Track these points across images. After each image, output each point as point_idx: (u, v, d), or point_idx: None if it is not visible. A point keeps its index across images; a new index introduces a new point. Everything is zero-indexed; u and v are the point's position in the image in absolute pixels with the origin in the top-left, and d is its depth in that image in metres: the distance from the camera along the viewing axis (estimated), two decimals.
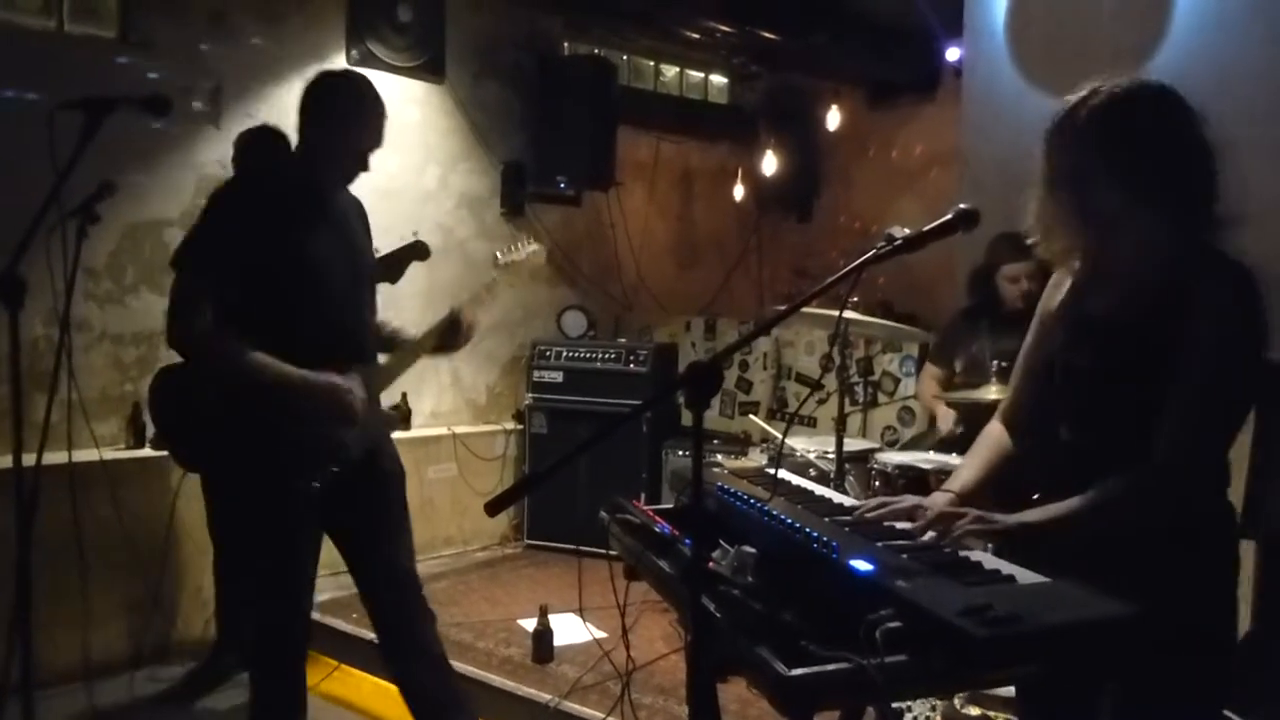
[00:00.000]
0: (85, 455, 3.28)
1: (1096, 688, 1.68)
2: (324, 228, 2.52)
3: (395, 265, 3.13)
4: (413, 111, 4.97)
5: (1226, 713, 2.64)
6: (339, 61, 4.65)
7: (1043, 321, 1.92)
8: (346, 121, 2.50)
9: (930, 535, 1.69)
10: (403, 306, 4.81)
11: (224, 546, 2.79)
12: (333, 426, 2.48)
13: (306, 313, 2.47)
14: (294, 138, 2.56)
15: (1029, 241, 1.83)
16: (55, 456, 2.66)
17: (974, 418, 4.03)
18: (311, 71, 4.52)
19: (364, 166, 2.55)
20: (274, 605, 2.56)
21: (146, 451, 3.89)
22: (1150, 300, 1.68)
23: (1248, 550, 2.93)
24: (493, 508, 1.48)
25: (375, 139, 2.53)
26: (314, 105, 2.51)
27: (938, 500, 1.82)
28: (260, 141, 3.50)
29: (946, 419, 3.85)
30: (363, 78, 2.61)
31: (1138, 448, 1.65)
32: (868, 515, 1.79)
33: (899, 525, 1.75)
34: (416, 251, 3.11)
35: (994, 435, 1.99)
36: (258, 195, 2.50)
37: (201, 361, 2.52)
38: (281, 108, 4.44)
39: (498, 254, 2.88)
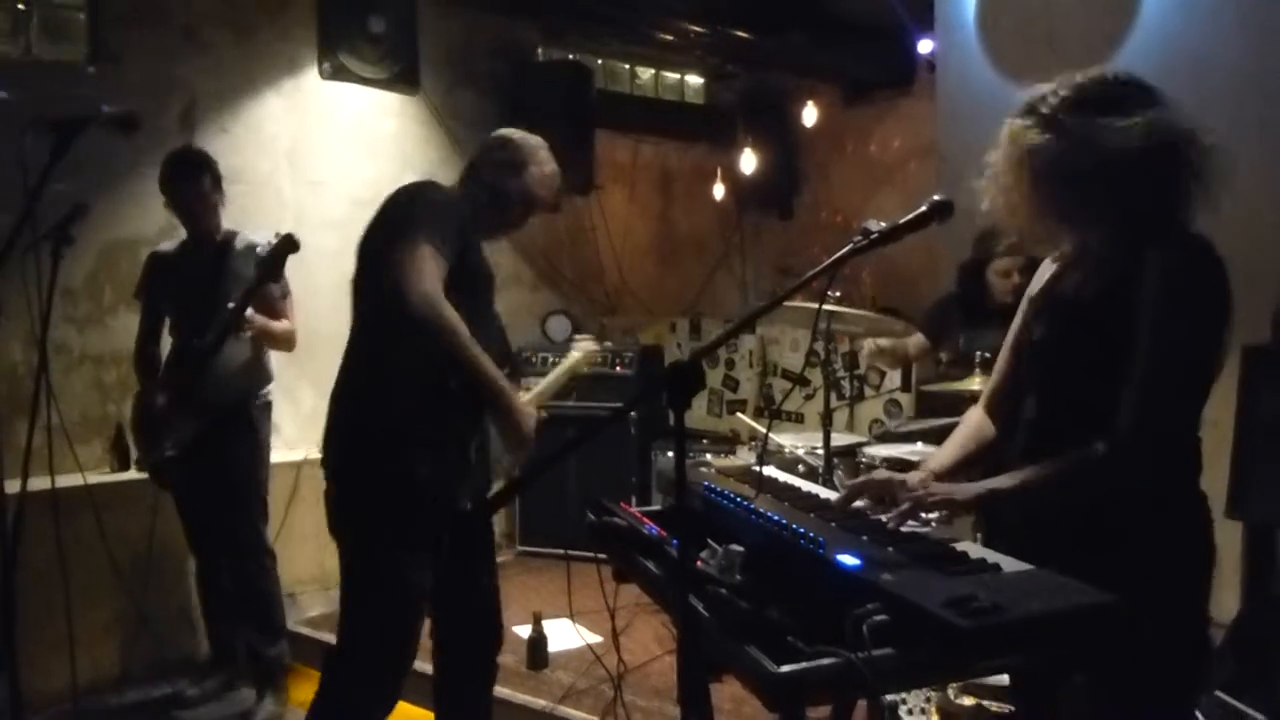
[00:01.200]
0: (69, 480, 3.25)
1: (1071, 675, 1.70)
2: (483, 259, 2.56)
3: (275, 264, 3.16)
4: (388, 122, 4.96)
5: (1219, 693, 2.67)
6: (312, 74, 4.64)
7: (1024, 307, 1.95)
8: (516, 177, 2.60)
9: (896, 513, 1.71)
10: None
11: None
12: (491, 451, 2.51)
13: (479, 333, 2.40)
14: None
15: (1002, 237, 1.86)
16: (38, 481, 2.64)
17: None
18: (285, 84, 4.59)
19: (531, 215, 2.68)
20: (384, 645, 2.41)
21: (131, 474, 3.86)
22: (1110, 275, 1.71)
23: (1236, 532, 2.96)
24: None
25: (537, 199, 2.65)
26: (494, 156, 2.63)
27: (913, 478, 1.83)
28: (183, 164, 3.48)
29: (915, 342, 3.86)
30: (539, 143, 2.68)
31: (1097, 421, 1.67)
32: (848, 497, 1.83)
33: (881, 517, 1.76)
34: (288, 246, 3.11)
35: (974, 421, 2.01)
36: (457, 203, 2.53)
37: (428, 327, 2.23)
38: (254, 121, 4.43)
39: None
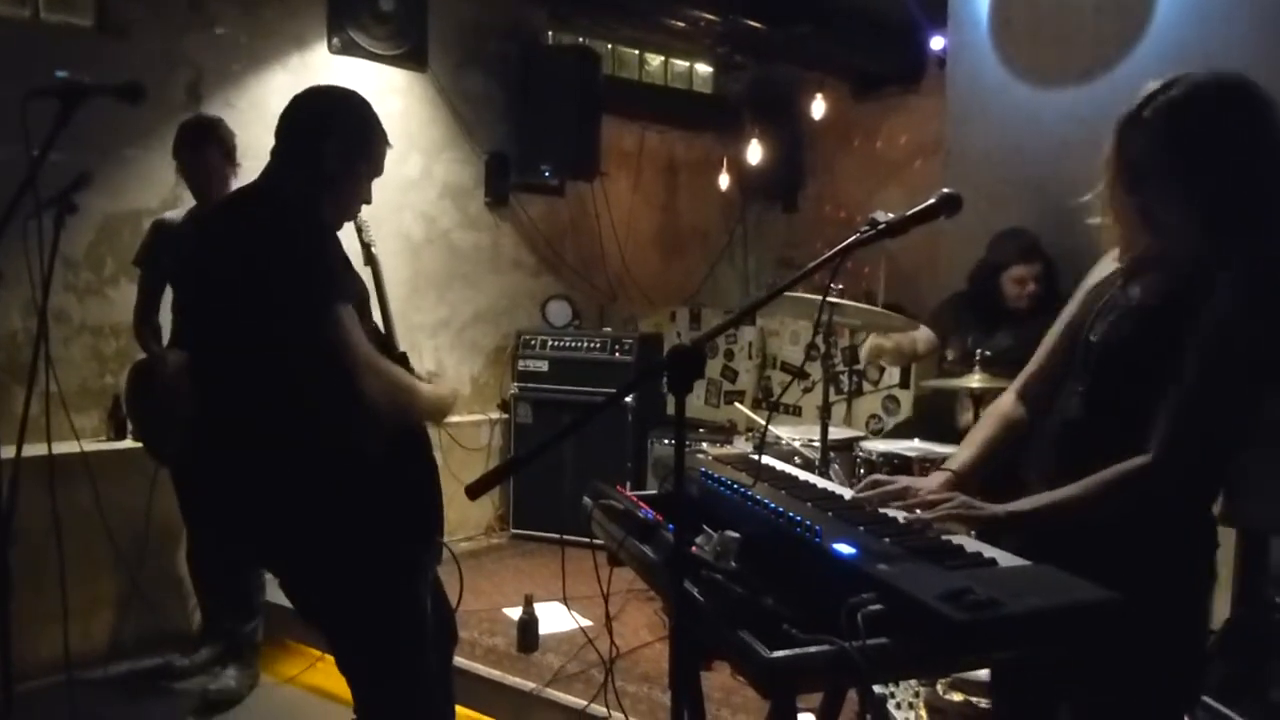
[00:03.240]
0: (65, 448, 3.24)
1: (1066, 674, 1.69)
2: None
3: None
4: (395, 101, 4.93)
5: (1207, 699, 2.68)
6: (320, 50, 4.62)
7: (1081, 295, 1.88)
8: (375, 145, 2.26)
9: (914, 516, 1.70)
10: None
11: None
12: None
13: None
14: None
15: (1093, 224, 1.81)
16: (35, 449, 2.64)
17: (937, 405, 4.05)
18: (292, 60, 4.56)
19: (369, 199, 2.32)
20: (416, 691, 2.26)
21: (127, 444, 3.86)
22: (1178, 287, 1.65)
23: (1228, 538, 2.96)
24: (473, 490, 1.48)
25: (377, 174, 2.31)
26: (340, 126, 2.20)
27: (934, 480, 1.82)
28: (193, 132, 3.46)
29: (924, 337, 3.86)
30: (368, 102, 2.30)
31: (1141, 429, 1.63)
32: (861, 496, 1.80)
33: (889, 511, 1.75)
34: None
35: (1003, 409, 1.95)
36: (324, 222, 2.18)
37: (384, 392, 2.06)
38: (261, 96, 4.41)
39: None
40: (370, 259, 2.68)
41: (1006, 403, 1.96)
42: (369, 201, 2.31)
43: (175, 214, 3.63)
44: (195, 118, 3.63)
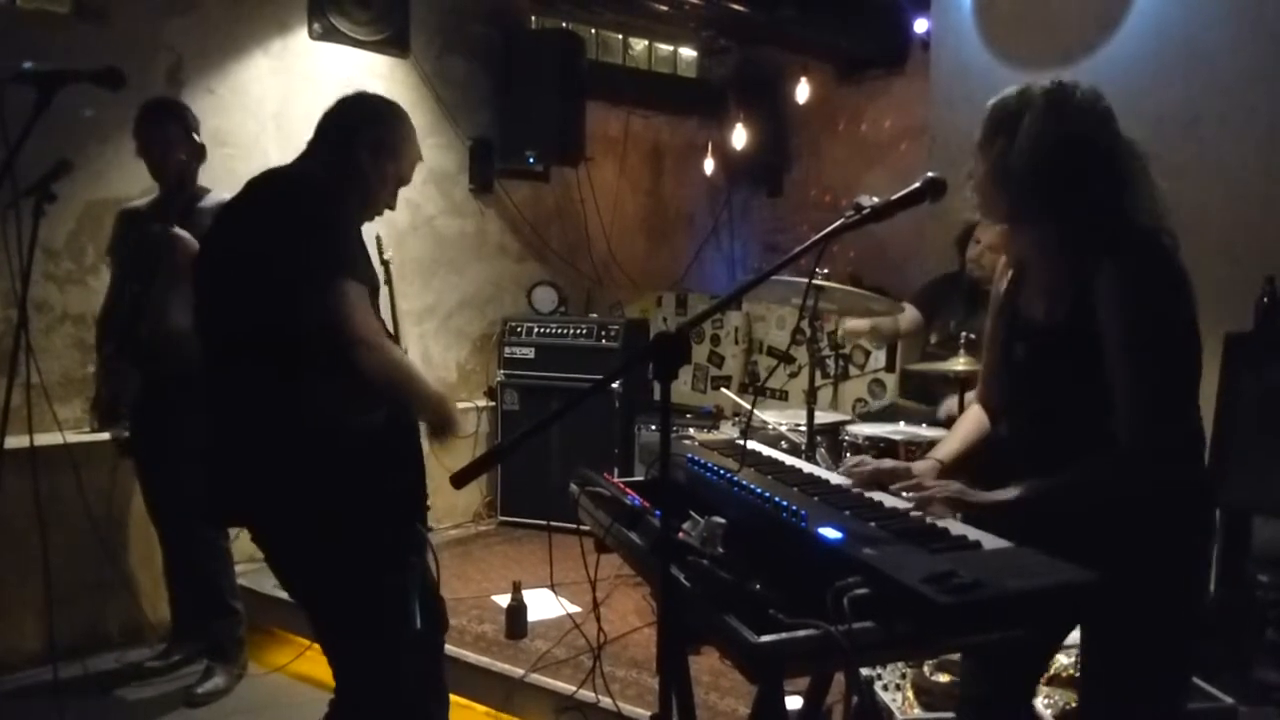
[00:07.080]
0: (48, 438, 3.23)
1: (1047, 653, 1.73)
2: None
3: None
4: (377, 86, 4.83)
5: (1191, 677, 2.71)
6: (301, 35, 4.57)
7: (994, 314, 1.97)
8: (405, 151, 2.36)
9: (909, 496, 1.72)
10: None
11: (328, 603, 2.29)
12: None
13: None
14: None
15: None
16: (17, 440, 2.62)
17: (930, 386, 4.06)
18: (274, 45, 4.52)
19: (393, 204, 2.40)
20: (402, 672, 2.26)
21: (109, 435, 3.83)
22: (1075, 296, 1.72)
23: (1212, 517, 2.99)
24: (458, 480, 1.47)
25: (404, 183, 2.40)
26: (375, 125, 2.30)
27: (921, 467, 1.84)
28: (151, 110, 3.39)
29: (909, 317, 3.87)
30: (406, 114, 2.40)
31: (1075, 440, 1.71)
32: (854, 471, 1.84)
33: (876, 496, 1.76)
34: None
35: (976, 414, 2.03)
36: (349, 212, 2.25)
37: (381, 368, 2.09)
38: (241, 83, 4.37)
39: None
40: (387, 276, 2.69)
41: (976, 409, 2.03)
42: (393, 207, 2.38)
43: (142, 201, 3.56)
44: (159, 97, 3.53)
